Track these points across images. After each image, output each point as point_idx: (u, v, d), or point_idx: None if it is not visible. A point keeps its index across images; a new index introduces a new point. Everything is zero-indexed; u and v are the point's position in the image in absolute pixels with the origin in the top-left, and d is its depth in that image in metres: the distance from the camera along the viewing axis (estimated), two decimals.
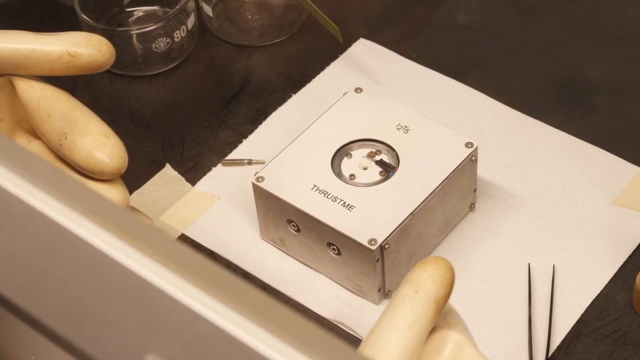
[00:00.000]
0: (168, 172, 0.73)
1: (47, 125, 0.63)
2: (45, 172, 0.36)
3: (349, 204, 0.64)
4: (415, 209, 0.63)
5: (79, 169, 0.63)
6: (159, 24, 0.78)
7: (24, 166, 0.36)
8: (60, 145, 0.61)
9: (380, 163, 0.66)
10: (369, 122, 0.68)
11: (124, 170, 0.62)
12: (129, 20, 0.82)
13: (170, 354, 0.32)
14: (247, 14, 0.80)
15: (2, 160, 0.36)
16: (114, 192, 0.64)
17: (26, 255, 0.35)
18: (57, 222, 0.35)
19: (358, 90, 0.70)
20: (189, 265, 0.33)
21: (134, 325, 0.33)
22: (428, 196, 0.64)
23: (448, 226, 0.68)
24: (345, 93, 0.70)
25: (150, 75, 0.79)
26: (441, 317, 0.50)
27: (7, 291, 0.34)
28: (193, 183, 0.73)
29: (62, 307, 0.33)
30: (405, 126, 0.67)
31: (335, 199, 0.65)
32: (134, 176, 0.71)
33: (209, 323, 0.32)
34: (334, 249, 0.63)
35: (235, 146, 0.74)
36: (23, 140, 0.66)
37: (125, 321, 0.33)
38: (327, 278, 0.67)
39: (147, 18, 0.80)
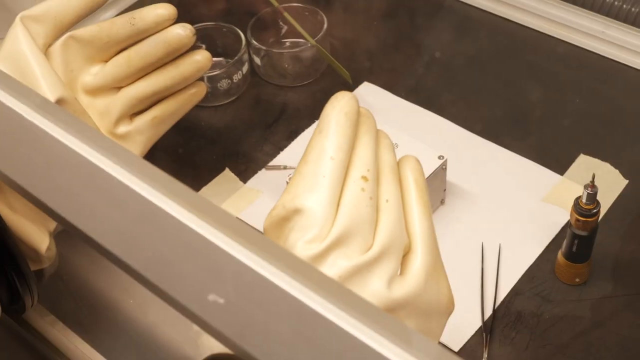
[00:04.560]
0: (227, 174, 0.73)
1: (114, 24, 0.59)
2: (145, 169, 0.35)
3: None
4: None
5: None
6: (223, 70, 0.78)
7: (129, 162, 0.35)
8: (132, 25, 0.58)
9: None
10: None
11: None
12: None
13: (226, 295, 0.31)
14: (285, 64, 0.80)
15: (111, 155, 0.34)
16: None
17: (129, 222, 0.33)
18: (151, 201, 0.33)
19: None
20: (240, 232, 0.31)
21: (202, 275, 0.32)
22: None
23: None
24: None
25: (215, 106, 0.79)
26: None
27: (111, 246, 0.33)
28: (244, 181, 0.72)
29: (152, 259, 0.33)
30: (396, 143, 0.65)
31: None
32: (203, 176, 0.73)
33: (254, 272, 0.30)
34: None
35: (274, 156, 0.74)
36: (96, 69, 0.60)
37: (196, 272, 0.32)
38: None
39: (215, 65, 0.79)
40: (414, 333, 0.28)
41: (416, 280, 0.41)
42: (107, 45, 0.59)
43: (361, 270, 0.40)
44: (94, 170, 0.34)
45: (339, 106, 0.43)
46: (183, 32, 0.58)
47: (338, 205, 0.41)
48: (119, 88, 0.60)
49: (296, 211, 0.41)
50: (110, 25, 0.58)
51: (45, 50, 0.57)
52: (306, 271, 0.30)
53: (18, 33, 0.55)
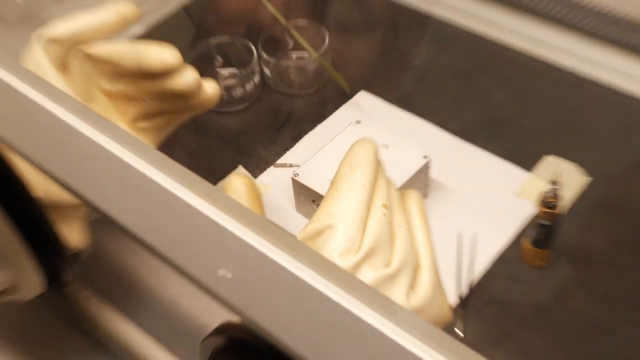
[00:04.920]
0: (240, 171, 0.74)
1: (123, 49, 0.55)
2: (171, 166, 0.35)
3: None
4: None
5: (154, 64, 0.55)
6: (237, 80, 0.80)
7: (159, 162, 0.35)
8: (139, 65, 0.54)
9: None
10: None
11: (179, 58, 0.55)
12: (220, 76, 0.82)
13: (234, 271, 0.31)
14: (291, 75, 0.81)
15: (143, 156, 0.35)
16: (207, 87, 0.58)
17: (153, 210, 0.34)
18: (172, 192, 0.33)
19: (358, 122, 0.71)
20: (247, 217, 0.31)
21: (213, 253, 0.32)
22: (400, 186, 0.64)
23: None
24: (350, 124, 0.71)
25: (231, 111, 0.80)
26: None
27: (138, 230, 0.33)
28: (255, 177, 0.73)
29: (172, 240, 0.33)
30: (386, 144, 0.68)
31: None
32: (218, 173, 0.74)
33: (258, 251, 0.31)
34: None
35: (281, 155, 0.75)
36: (110, 80, 0.57)
37: (208, 251, 0.32)
38: None
39: (230, 75, 0.81)
40: (403, 309, 0.28)
41: (426, 292, 0.43)
42: (118, 70, 0.56)
43: (385, 281, 0.41)
44: (122, 166, 0.34)
45: (367, 147, 0.46)
46: (191, 80, 0.55)
47: (365, 225, 0.43)
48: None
49: (330, 227, 0.42)
50: (118, 57, 0.55)
51: (60, 64, 0.54)
52: (304, 251, 0.30)
53: (37, 53, 0.53)
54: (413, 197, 0.47)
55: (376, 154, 0.46)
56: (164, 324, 0.65)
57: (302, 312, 0.30)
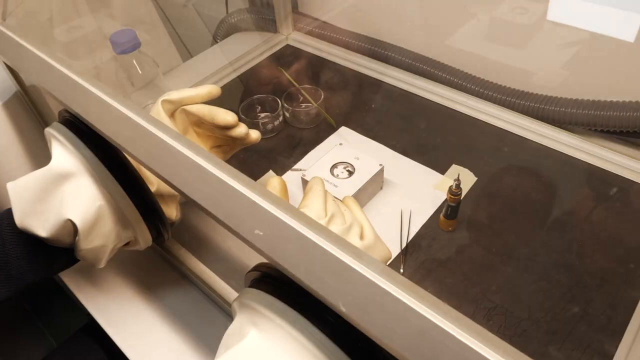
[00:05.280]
0: (270, 173, 0.72)
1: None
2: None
3: (335, 184, 0.64)
4: (359, 189, 0.63)
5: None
6: (269, 119, 0.78)
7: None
8: (212, 122, 0.53)
9: (347, 170, 0.66)
10: (344, 155, 0.68)
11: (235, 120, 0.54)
12: (258, 117, 0.80)
13: (264, 231, 0.31)
14: (301, 116, 0.79)
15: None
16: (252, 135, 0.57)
17: (217, 194, 0.33)
18: (228, 183, 0.33)
19: (340, 144, 0.70)
20: (270, 197, 0.32)
21: (252, 219, 0.31)
22: (365, 182, 0.64)
23: (371, 195, 0.67)
24: (336, 145, 0.70)
25: (265, 138, 0.78)
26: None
27: (208, 206, 0.33)
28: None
29: (227, 212, 0.32)
30: (357, 157, 0.67)
31: (330, 182, 0.65)
32: (257, 174, 0.72)
33: (278, 219, 0.31)
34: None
35: (295, 163, 0.73)
36: (196, 127, 0.56)
37: (249, 217, 0.31)
38: None
39: (265, 117, 0.79)
40: (359, 249, 0.29)
41: (370, 238, 0.44)
42: (201, 121, 0.55)
43: (344, 232, 0.42)
44: (203, 171, 0.35)
45: (320, 179, 0.47)
46: (243, 132, 0.55)
47: (325, 207, 0.44)
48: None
49: (305, 206, 0.44)
50: (202, 114, 0.53)
51: (170, 115, 0.54)
52: (302, 217, 0.30)
53: (159, 108, 0.53)
54: (349, 198, 0.48)
55: (323, 183, 0.47)
56: (222, 264, 0.63)
57: (304, 255, 0.30)
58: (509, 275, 0.57)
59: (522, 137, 0.73)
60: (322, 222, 0.42)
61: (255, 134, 0.57)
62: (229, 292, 0.58)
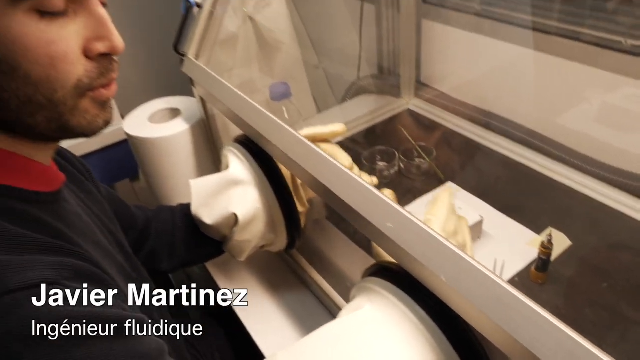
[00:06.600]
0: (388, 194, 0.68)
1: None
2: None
3: None
4: None
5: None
6: (386, 169, 0.83)
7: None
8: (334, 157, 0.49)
9: None
10: None
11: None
12: (378, 166, 0.84)
13: (394, 224, 0.34)
14: (413, 169, 0.82)
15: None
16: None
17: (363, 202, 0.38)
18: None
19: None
20: (391, 204, 0.37)
21: (385, 216, 0.35)
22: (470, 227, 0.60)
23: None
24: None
25: (380, 184, 0.81)
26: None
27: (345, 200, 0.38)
28: None
29: (370, 212, 0.36)
30: (460, 207, 0.68)
31: None
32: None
33: (404, 217, 0.35)
34: None
35: (409, 204, 0.69)
36: None
37: (382, 215, 0.35)
38: None
39: (384, 167, 0.83)
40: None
41: (470, 252, 0.45)
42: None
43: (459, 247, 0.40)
44: (353, 181, 0.39)
45: (448, 191, 0.49)
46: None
47: (451, 221, 0.44)
48: None
49: (431, 214, 0.45)
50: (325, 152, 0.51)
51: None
52: (415, 222, 0.34)
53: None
54: (465, 222, 0.48)
55: (452, 194, 0.48)
56: (332, 274, 0.65)
57: (424, 247, 0.33)
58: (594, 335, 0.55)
59: (620, 212, 0.71)
60: (447, 235, 0.43)
61: (372, 179, 0.59)
62: (335, 296, 0.61)
